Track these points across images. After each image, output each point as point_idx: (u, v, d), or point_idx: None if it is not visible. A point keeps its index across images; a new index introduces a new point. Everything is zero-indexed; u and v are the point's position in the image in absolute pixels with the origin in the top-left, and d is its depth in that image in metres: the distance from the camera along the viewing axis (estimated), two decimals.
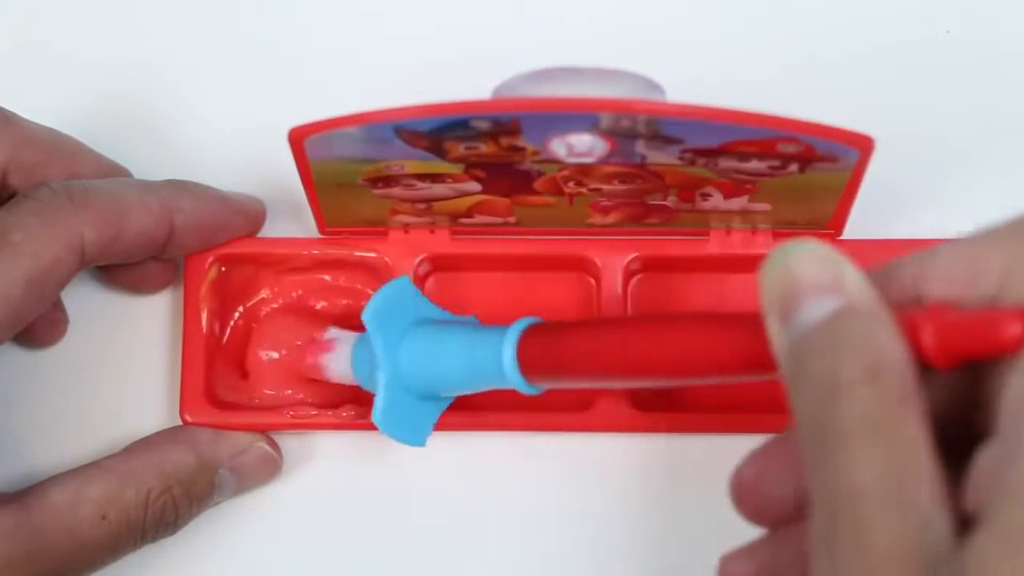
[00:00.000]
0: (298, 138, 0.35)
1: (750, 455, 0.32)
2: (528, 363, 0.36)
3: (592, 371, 0.35)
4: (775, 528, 0.32)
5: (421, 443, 0.38)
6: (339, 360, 0.39)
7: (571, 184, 0.37)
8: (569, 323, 0.37)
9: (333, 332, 0.40)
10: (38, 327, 0.41)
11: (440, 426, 0.39)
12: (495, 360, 0.36)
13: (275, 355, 0.41)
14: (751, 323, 0.30)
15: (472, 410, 0.40)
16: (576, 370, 0.36)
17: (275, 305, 0.42)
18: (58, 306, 0.42)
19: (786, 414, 0.40)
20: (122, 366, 0.42)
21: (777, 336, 0.29)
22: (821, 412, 0.27)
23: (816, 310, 0.28)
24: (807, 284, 0.28)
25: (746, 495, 0.32)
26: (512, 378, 0.36)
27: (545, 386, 0.37)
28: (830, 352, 0.27)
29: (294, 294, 0.42)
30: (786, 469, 0.31)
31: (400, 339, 0.37)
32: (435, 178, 0.37)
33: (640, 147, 0.35)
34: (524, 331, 0.36)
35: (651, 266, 0.41)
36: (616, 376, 0.36)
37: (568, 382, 0.37)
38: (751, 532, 0.40)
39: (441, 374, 0.37)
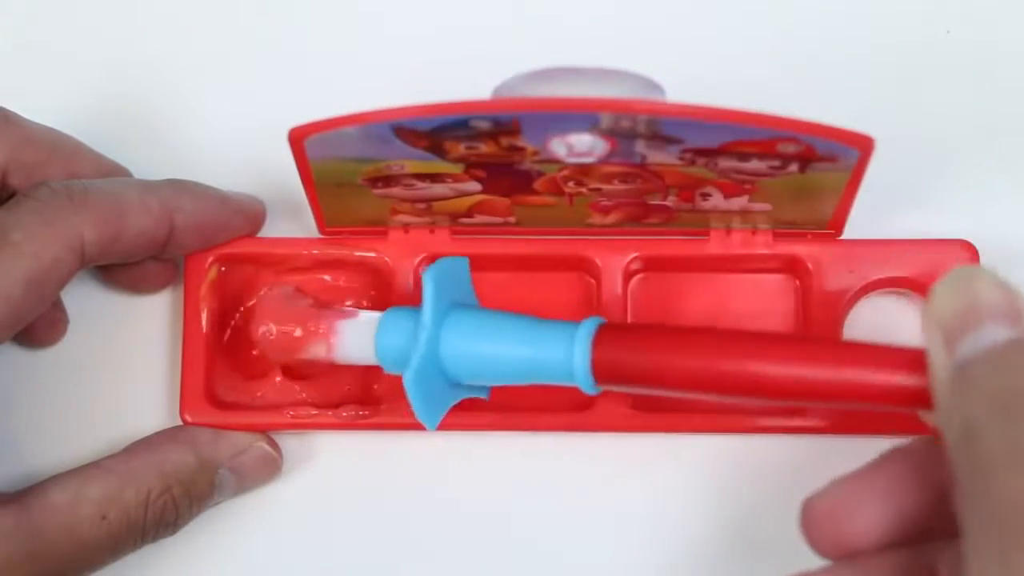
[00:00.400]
0: (298, 138, 0.35)
1: (829, 485, 0.32)
2: (604, 367, 0.35)
3: (688, 385, 0.35)
4: (845, 558, 0.32)
5: (433, 426, 0.37)
6: (358, 331, 0.38)
7: (571, 184, 0.37)
8: (655, 328, 0.36)
9: (348, 309, 0.39)
10: (38, 327, 0.41)
11: (440, 426, 0.39)
12: (562, 358, 0.35)
13: (278, 329, 0.39)
14: (903, 354, 0.32)
15: (472, 410, 0.40)
16: (666, 382, 0.35)
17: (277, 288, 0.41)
18: (58, 306, 0.42)
19: (785, 418, 0.40)
20: (122, 366, 0.42)
21: (940, 353, 0.30)
22: (997, 427, 0.28)
23: (995, 334, 0.29)
24: (988, 308, 0.29)
25: (822, 524, 0.32)
26: (582, 379, 0.35)
27: (612, 389, 0.36)
28: (1012, 372, 0.28)
29: None
30: (876, 499, 0.32)
31: (444, 315, 0.36)
32: (435, 178, 0.37)
33: (640, 147, 0.35)
34: (598, 332, 0.35)
35: (651, 266, 0.41)
36: (712, 392, 0.35)
37: (644, 389, 0.36)
38: (752, 531, 0.40)
39: (490, 362, 0.36)
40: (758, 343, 0.34)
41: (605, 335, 0.35)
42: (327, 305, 0.39)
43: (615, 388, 0.36)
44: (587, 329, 0.35)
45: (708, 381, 0.34)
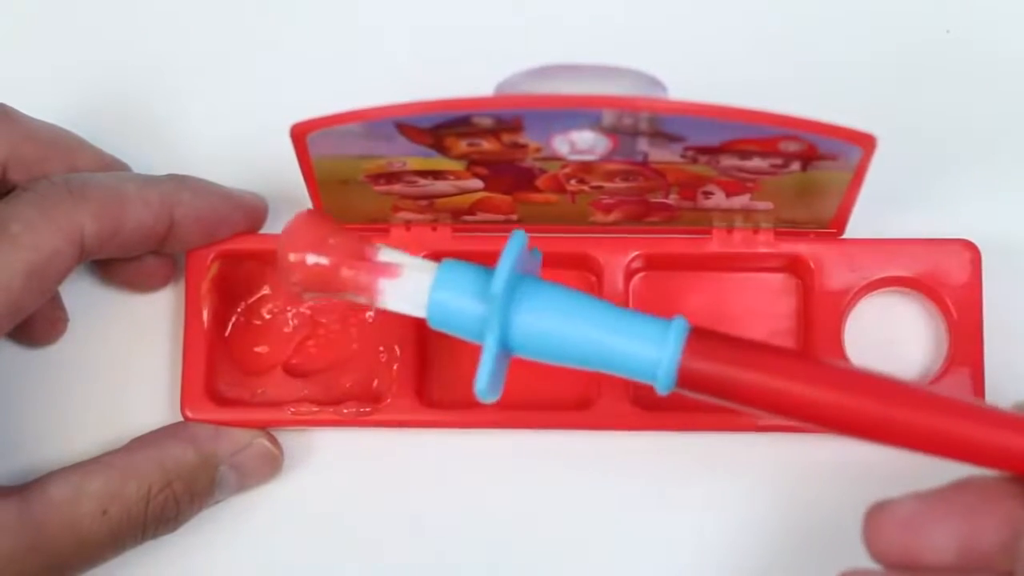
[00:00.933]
0: (300, 134, 0.35)
1: (908, 497, 0.32)
2: (690, 374, 0.34)
3: (782, 410, 0.34)
4: (901, 569, 0.32)
5: (497, 397, 0.35)
6: (405, 288, 0.35)
7: (573, 182, 0.37)
8: (752, 345, 0.35)
9: (389, 254, 0.35)
10: (38, 325, 0.41)
11: (440, 423, 0.39)
12: (650, 357, 0.34)
13: (322, 260, 0.35)
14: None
15: (472, 409, 0.40)
16: (758, 403, 0.34)
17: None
18: (58, 304, 0.41)
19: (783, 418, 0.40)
20: (123, 363, 0.42)
21: None
22: None
23: None
24: None
25: (893, 532, 0.32)
26: (663, 381, 0.34)
27: (684, 393, 0.35)
28: None
29: None
30: (952, 520, 0.32)
31: (513, 287, 0.34)
32: (437, 175, 0.37)
33: (642, 145, 0.35)
34: (690, 337, 0.34)
35: (653, 264, 0.41)
36: (807, 420, 0.34)
37: (721, 401, 0.34)
38: (753, 530, 0.40)
39: (567, 344, 0.34)
40: (858, 380, 0.34)
41: (698, 342, 0.34)
42: (365, 240, 0.36)
43: (688, 394, 0.35)
44: (678, 331, 0.34)
45: (821, 415, 0.34)
